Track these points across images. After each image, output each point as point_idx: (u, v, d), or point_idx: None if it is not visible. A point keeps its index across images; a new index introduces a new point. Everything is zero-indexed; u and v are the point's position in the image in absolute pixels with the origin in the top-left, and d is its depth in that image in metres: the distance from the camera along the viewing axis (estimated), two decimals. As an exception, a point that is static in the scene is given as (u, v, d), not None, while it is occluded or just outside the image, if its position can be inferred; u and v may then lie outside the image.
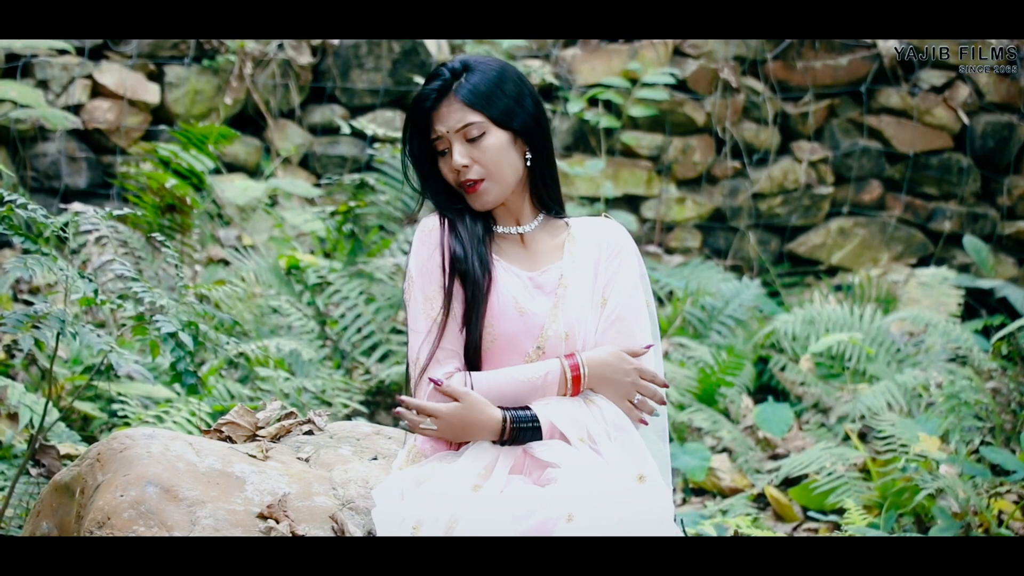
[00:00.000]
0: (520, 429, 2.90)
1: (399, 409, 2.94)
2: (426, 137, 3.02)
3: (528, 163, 3.04)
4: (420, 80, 7.23)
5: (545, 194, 3.08)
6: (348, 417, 5.33)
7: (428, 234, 3.01)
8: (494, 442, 2.91)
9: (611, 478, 2.80)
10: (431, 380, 2.92)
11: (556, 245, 3.07)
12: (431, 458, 2.96)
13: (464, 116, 2.96)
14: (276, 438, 3.37)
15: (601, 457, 2.88)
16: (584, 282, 3.03)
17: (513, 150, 3.01)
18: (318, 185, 7.27)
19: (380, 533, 2.84)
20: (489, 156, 2.97)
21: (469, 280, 2.96)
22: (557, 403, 2.94)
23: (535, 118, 3.03)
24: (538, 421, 2.90)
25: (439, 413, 2.90)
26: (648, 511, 2.75)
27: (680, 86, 7.89)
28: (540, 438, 2.90)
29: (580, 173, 7.50)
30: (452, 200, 3.05)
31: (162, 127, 7.18)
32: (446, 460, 2.93)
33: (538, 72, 7.43)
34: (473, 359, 2.96)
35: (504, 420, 2.90)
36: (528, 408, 2.92)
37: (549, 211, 3.10)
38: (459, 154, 2.96)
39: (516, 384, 2.93)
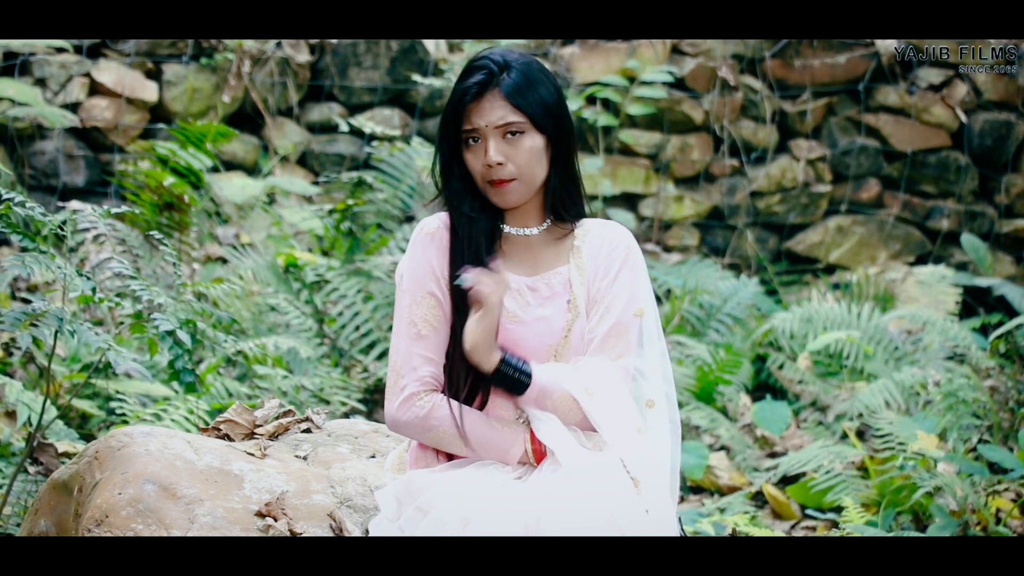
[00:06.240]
0: (510, 373, 2.85)
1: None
2: (457, 127, 2.94)
3: (550, 168, 2.99)
4: (418, 78, 7.23)
5: (562, 201, 3.03)
6: (346, 415, 5.33)
7: (426, 236, 2.96)
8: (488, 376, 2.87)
9: (609, 477, 2.79)
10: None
11: (562, 249, 3.03)
12: (422, 470, 2.96)
13: (506, 114, 2.90)
14: (274, 436, 3.37)
15: (598, 454, 2.86)
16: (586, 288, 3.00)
17: (544, 154, 2.96)
18: (316, 183, 7.27)
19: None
20: (524, 157, 2.92)
21: (458, 291, 2.91)
22: (553, 368, 2.91)
23: (567, 125, 2.99)
24: (530, 378, 2.86)
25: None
26: (644, 514, 2.75)
27: (678, 84, 7.89)
28: (520, 393, 2.86)
29: (578, 171, 7.49)
30: (467, 196, 2.98)
31: (160, 125, 7.17)
32: (437, 471, 2.93)
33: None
34: (455, 366, 2.92)
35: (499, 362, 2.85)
36: (527, 363, 2.88)
37: (561, 217, 3.05)
38: (494, 150, 2.90)
39: (490, 433, 2.89)
